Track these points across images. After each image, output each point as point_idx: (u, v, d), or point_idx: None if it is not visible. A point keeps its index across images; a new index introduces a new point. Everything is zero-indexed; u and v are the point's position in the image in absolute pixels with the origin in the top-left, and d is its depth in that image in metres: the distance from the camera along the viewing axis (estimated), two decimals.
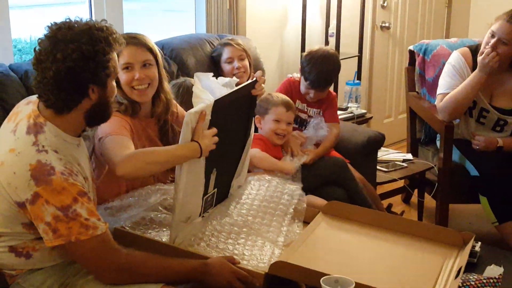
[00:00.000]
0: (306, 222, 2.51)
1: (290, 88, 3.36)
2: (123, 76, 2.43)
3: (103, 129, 2.29)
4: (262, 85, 2.55)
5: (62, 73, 1.88)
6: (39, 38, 1.93)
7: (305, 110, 3.43)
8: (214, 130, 2.21)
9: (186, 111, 2.19)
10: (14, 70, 2.67)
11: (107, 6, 3.46)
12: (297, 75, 3.46)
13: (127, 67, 2.43)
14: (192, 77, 3.24)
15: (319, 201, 2.83)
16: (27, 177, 1.86)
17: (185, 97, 2.91)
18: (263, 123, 3.11)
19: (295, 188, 2.65)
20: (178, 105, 2.73)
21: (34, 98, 2.05)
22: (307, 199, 2.62)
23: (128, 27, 3.61)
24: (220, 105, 2.21)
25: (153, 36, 2.49)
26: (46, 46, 1.90)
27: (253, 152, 2.88)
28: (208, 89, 2.30)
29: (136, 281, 1.99)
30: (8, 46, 3.07)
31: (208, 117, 2.17)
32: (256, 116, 3.06)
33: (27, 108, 2.02)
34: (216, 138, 2.22)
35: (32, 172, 1.86)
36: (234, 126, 2.48)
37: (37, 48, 1.93)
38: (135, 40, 2.45)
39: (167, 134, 2.59)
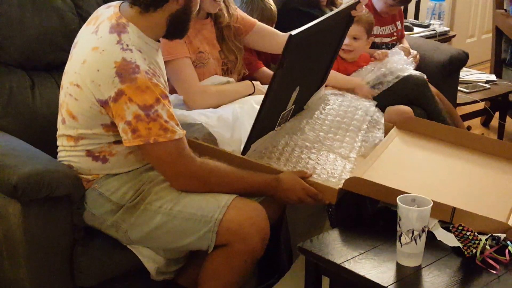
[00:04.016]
0: None
1: (370, 10, 3.22)
2: None
3: (162, 50, 2.27)
4: (363, 6, 2.49)
5: None
6: None
7: (379, 33, 3.31)
8: None
9: None
10: None
11: None
12: None
13: None
14: None
15: (402, 107, 2.74)
16: (111, 75, 1.86)
17: (249, 7, 2.86)
18: None
19: (370, 104, 2.58)
20: (238, 8, 2.69)
21: (114, 2, 2.05)
22: (389, 110, 2.55)
23: None
24: (313, 31, 2.14)
25: None
26: None
27: None
28: None
29: (208, 190, 2.00)
30: None
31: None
32: None
33: (108, 11, 2.02)
34: None
35: (117, 69, 1.86)
36: (326, 47, 2.44)
37: None
38: None
39: (228, 35, 2.57)
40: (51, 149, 2.10)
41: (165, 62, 2.25)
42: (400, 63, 3.03)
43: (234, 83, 2.52)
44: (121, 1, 2.01)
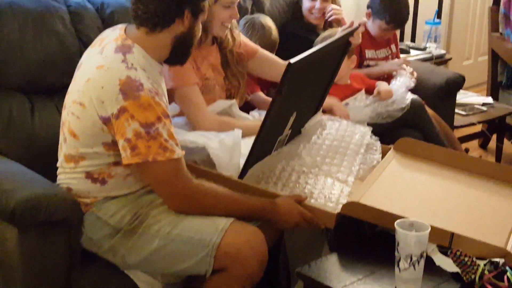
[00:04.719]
0: None
1: (365, 35, 3.25)
2: (223, 13, 2.42)
3: (172, 77, 2.32)
4: (360, 34, 2.53)
5: None
6: None
7: (375, 56, 3.34)
8: None
9: None
10: (90, 1, 2.66)
11: None
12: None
13: (229, 6, 2.43)
14: (267, 14, 3.19)
15: None
16: (115, 92, 1.88)
17: (249, 32, 2.88)
18: None
19: (366, 130, 2.59)
20: (242, 34, 2.71)
21: (120, 25, 2.09)
22: None
23: None
24: (312, 58, 2.16)
25: None
26: None
27: None
28: None
29: (204, 212, 2.00)
30: None
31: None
32: None
33: (113, 33, 2.06)
34: None
35: (121, 86, 1.88)
36: (323, 72, 2.46)
37: None
38: None
39: (231, 61, 2.58)
40: (50, 172, 2.10)
41: (174, 88, 2.30)
42: (399, 103, 3.02)
43: (247, 121, 2.49)
44: (127, 24, 2.06)
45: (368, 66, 3.33)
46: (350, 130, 2.55)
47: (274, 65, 2.65)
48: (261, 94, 2.82)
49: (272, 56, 2.73)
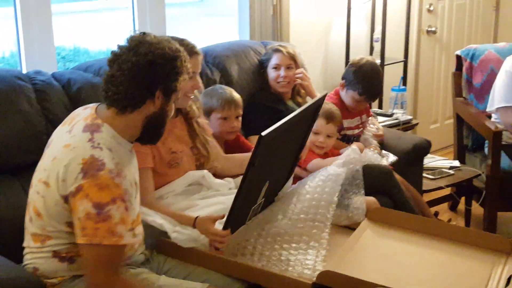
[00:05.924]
0: (352, 229, 2.51)
1: (339, 105, 3.31)
2: (186, 84, 2.38)
3: None
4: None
5: (140, 65, 1.93)
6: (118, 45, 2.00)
7: (350, 126, 3.39)
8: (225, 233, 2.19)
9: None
10: (56, 78, 2.66)
11: (150, 12, 3.45)
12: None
13: (191, 77, 2.44)
14: (235, 85, 3.24)
15: (368, 198, 2.76)
16: (77, 171, 1.87)
17: (210, 93, 2.93)
18: None
19: (340, 172, 2.61)
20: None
21: (91, 104, 2.09)
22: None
23: (171, 33, 3.59)
24: (283, 128, 2.18)
25: (195, 43, 2.52)
26: (130, 45, 1.96)
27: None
28: None
29: None
30: (52, 53, 3.07)
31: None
32: None
33: (84, 112, 2.05)
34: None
35: (83, 166, 1.87)
36: (293, 140, 2.49)
37: (116, 48, 1.98)
38: (197, 49, 2.48)
39: (198, 130, 2.60)
40: (15, 254, 2.06)
41: None
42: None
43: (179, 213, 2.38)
44: (99, 103, 2.05)
45: (345, 135, 3.36)
46: (321, 179, 2.56)
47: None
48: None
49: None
